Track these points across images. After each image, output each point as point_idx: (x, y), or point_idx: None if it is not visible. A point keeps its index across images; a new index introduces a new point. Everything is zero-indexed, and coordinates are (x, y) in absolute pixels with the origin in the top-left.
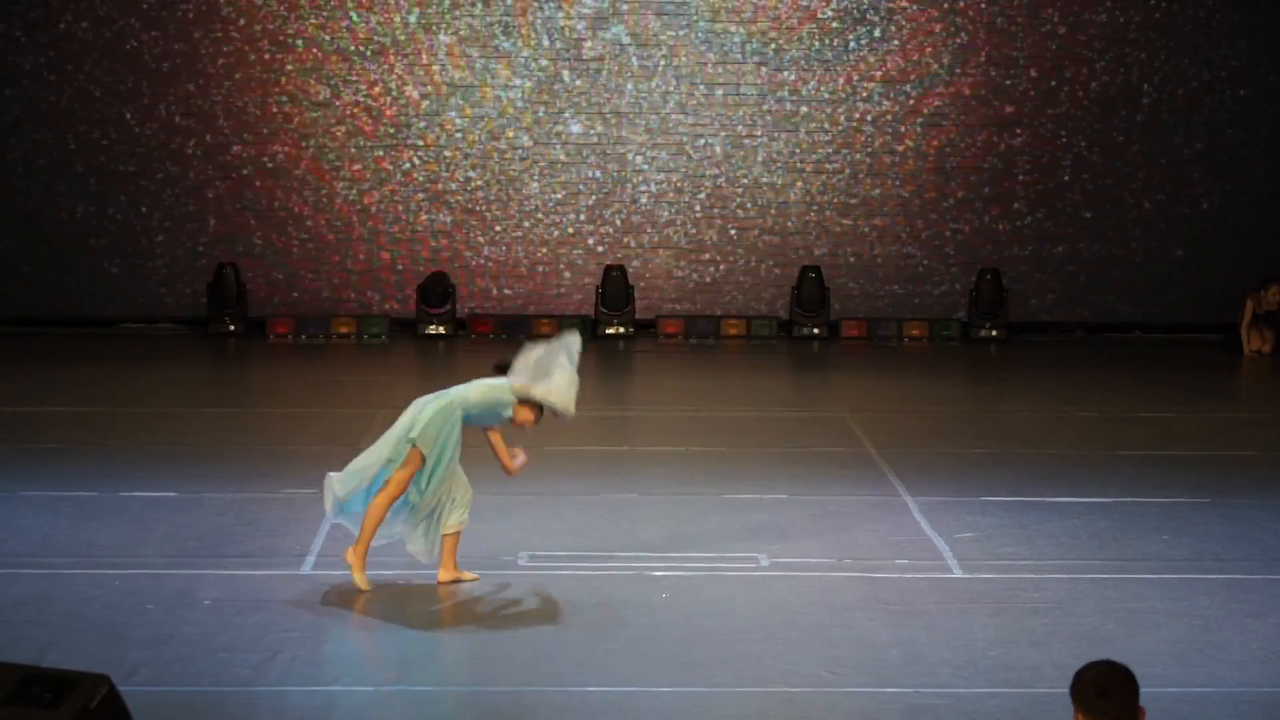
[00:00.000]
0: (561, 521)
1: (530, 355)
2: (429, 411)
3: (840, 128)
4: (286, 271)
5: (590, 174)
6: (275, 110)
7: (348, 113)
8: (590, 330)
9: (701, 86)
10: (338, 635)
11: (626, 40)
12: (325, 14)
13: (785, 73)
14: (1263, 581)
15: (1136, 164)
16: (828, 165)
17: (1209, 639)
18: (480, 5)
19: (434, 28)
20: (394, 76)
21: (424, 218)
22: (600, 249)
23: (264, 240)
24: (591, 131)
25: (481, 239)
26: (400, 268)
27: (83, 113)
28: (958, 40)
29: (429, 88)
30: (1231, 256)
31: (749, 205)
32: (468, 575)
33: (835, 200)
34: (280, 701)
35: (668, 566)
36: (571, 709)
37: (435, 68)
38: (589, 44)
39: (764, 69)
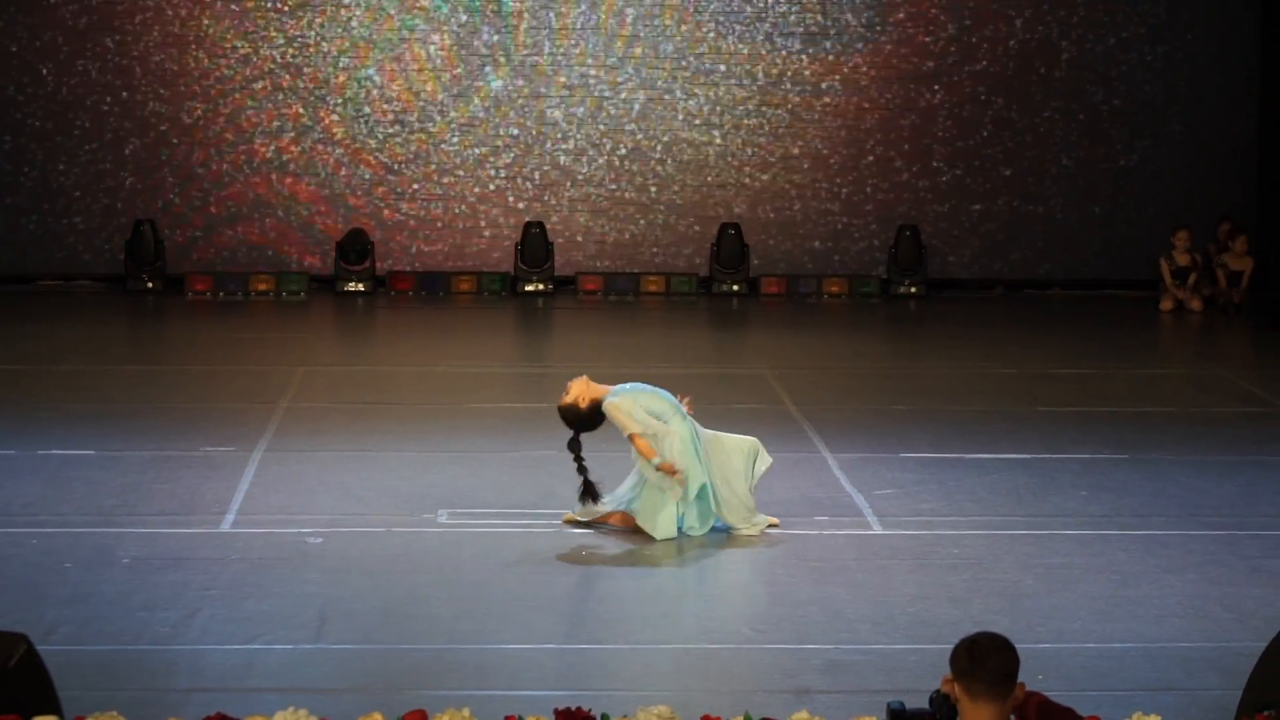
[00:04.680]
0: (480, 478)
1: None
2: None
3: (759, 84)
4: (205, 229)
5: (509, 130)
6: (193, 66)
7: (266, 68)
8: (510, 287)
9: (619, 42)
10: (256, 593)
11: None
12: None
13: (704, 28)
14: (1181, 537)
15: (1055, 121)
16: (746, 122)
17: (1127, 594)
18: None
19: None
20: (313, 32)
21: (342, 174)
22: (519, 206)
23: (182, 197)
24: (510, 87)
25: (400, 196)
26: (319, 225)
27: None
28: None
29: (347, 44)
30: (1151, 213)
31: (668, 162)
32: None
33: (754, 157)
34: (199, 660)
35: (587, 523)
36: (492, 666)
37: (353, 23)
38: (520, 1)
39: (683, 25)
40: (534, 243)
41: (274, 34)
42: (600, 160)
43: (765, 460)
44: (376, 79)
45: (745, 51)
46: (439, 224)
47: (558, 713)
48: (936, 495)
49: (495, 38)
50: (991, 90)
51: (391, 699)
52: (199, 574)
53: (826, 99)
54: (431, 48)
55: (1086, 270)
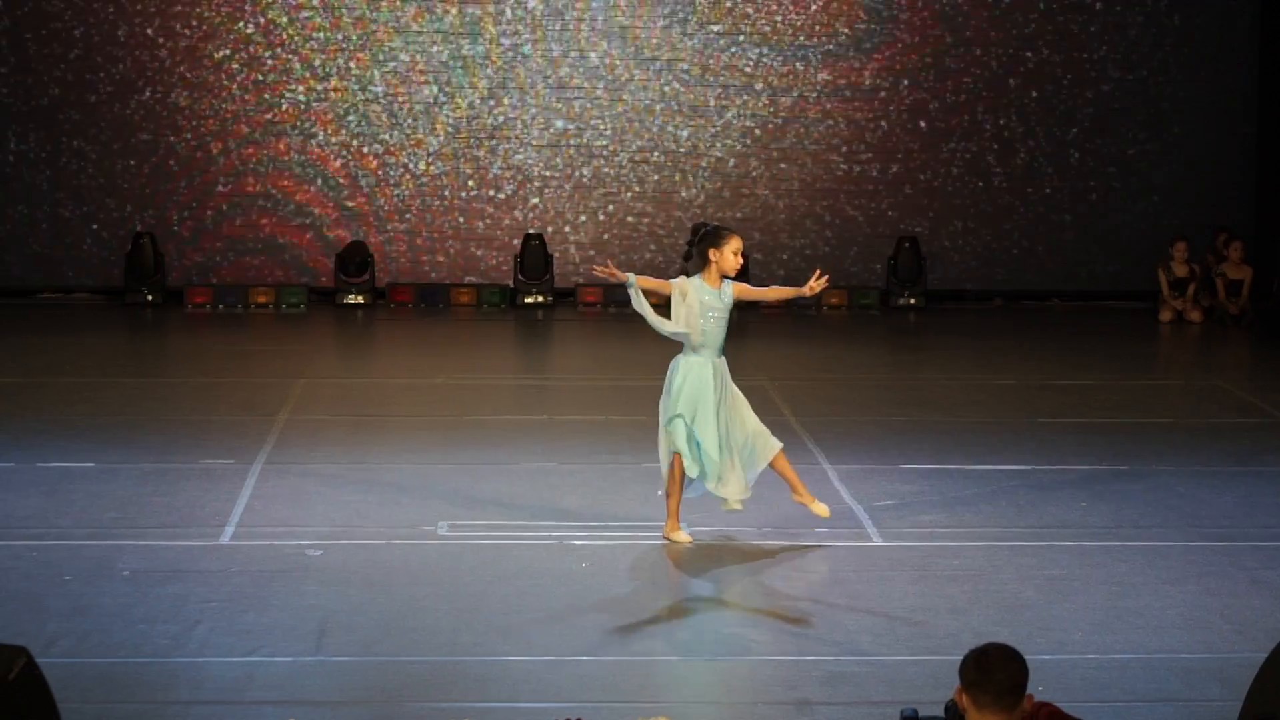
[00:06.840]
0: (480, 491)
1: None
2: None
3: (757, 97)
4: (204, 241)
5: (510, 142)
6: (193, 79)
7: (264, 81)
8: (509, 299)
9: (619, 55)
10: (257, 606)
11: (546, 10)
12: None
13: (705, 42)
14: (1180, 548)
15: (1053, 132)
16: (745, 135)
17: (1127, 605)
18: None
19: None
20: (312, 45)
21: (342, 186)
22: (519, 218)
23: (181, 210)
24: (512, 100)
25: (400, 208)
26: (318, 237)
27: None
28: (881, 8)
29: (347, 56)
30: (1150, 224)
31: (666, 173)
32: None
33: (753, 168)
34: (199, 672)
35: (588, 536)
36: (492, 679)
37: (355, 33)
38: (514, 11)
39: (684, 37)
40: (534, 255)
41: (272, 47)
42: (600, 173)
43: (773, 446)
44: (377, 90)
45: (744, 65)
46: (439, 236)
47: None
48: (936, 506)
49: (497, 50)
50: (990, 102)
51: (392, 711)
52: (199, 586)
53: (825, 111)
54: (432, 60)
55: (1086, 281)
